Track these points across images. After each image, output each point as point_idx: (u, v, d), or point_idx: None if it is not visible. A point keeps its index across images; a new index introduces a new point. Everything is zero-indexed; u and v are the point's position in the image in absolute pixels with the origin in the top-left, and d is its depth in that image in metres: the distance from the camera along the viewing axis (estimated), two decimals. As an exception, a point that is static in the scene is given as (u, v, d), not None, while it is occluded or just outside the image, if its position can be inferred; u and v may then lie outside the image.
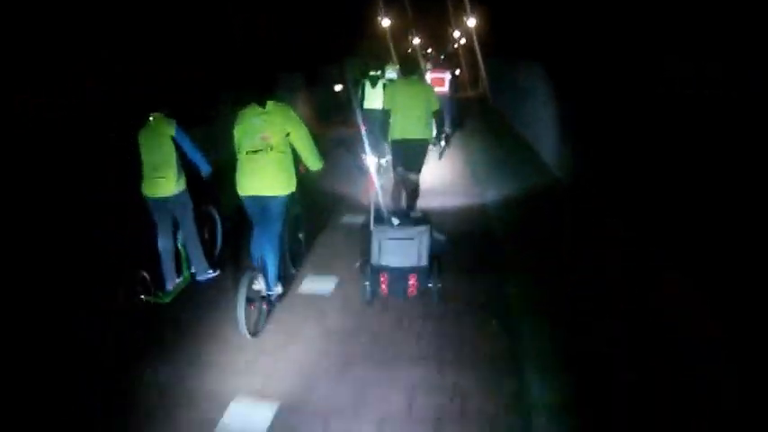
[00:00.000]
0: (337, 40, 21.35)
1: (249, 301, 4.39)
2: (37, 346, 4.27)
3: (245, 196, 4.77)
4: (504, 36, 21.85)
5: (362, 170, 7.67)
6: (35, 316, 4.69)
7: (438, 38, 50.56)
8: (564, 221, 6.81)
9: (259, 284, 4.64)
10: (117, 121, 7.22)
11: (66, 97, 6.82)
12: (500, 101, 19.35)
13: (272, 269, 4.84)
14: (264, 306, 4.71)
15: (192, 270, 5.42)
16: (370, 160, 7.13)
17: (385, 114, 6.92)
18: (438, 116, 7.03)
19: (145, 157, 5.01)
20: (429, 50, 52.97)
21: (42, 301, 4.91)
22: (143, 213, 5.13)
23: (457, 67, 31.65)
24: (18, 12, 6.55)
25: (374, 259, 4.86)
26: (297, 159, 4.86)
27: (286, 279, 5.27)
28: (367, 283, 4.83)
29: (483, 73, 26.68)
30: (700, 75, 5.29)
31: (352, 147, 10.90)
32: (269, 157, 4.64)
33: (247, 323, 4.31)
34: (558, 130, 9.53)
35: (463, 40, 39.05)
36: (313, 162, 4.90)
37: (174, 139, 4.97)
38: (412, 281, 4.76)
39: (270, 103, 4.67)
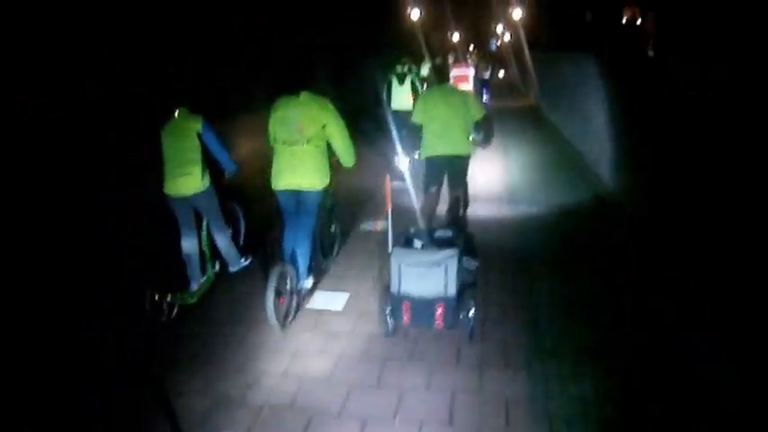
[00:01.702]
0: (368, 38, 20.13)
1: (278, 294, 4.34)
2: (61, 353, 4.19)
3: (281, 190, 4.71)
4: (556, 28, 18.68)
5: (398, 172, 7.36)
6: (52, 322, 4.63)
7: (481, 33, 44.99)
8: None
9: (289, 278, 4.57)
10: (117, 120, 7.25)
11: (66, 97, 6.81)
12: (555, 111, 15.42)
13: (303, 263, 4.80)
14: (294, 300, 4.65)
15: (225, 264, 5.35)
16: (404, 162, 6.93)
17: (414, 128, 6.06)
18: (484, 125, 5.93)
19: (168, 154, 4.83)
20: (471, 47, 46.22)
21: (50, 305, 4.86)
22: (163, 213, 5.03)
23: (497, 66, 27.15)
24: (18, 11, 6.56)
25: (394, 287, 4.31)
26: (329, 152, 4.76)
27: (316, 272, 5.20)
28: (387, 312, 4.32)
29: (533, 75, 21.57)
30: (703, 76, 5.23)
31: (382, 148, 10.13)
32: (305, 150, 4.57)
33: (277, 316, 4.27)
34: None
35: (507, 36, 33.93)
36: (347, 158, 4.82)
37: (199, 135, 4.81)
38: (438, 312, 4.16)
39: (305, 94, 4.60)
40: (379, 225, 6.87)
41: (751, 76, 4.45)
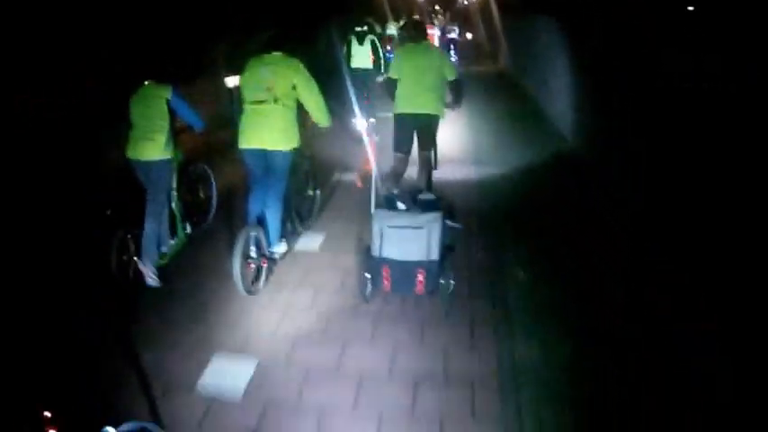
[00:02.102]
0: None
1: (246, 258, 4.31)
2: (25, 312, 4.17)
3: (247, 149, 4.65)
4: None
5: (355, 135, 7.28)
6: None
7: None
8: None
9: (259, 242, 4.53)
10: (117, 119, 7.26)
11: (66, 97, 6.83)
12: (526, 74, 15.28)
13: (273, 227, 4.74)
14: (264, 264, 4.60)
15: (199, 223, 5.29)
16: (362, 123, 6.80)
17: (389, 84, 5.99)
18: (456, 87, 5.99)
19: (135, 121, 4.76)
20: (436, 7, 46.34)
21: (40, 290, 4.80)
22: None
23: (463, 27, 25.86)
24: (18, 11, 6.57)
25: (375, 250, 4.19)
26: (302, 114, 4.72)
27: (292, 238, 5.18)
28: (367, 275, 4.23)
29: (502, 39, 20.54)
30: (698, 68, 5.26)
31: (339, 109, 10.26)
32: (273, 110, 4.52)
33: (244, 281, 4.23)
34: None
35: None
36: (321, 117, 4.77)
37: (168, 103, 4.73)
38: (420, 277, 4.08)
39: (277, 54, 4.60)
40: (359, 181, 6.73)
41: (746, 69, 4.48)
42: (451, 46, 15.94)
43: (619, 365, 3.65)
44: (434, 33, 12.64)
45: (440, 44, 12.35)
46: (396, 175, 6.12)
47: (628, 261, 5.12)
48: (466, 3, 37.67)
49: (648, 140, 5.93)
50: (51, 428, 1.80)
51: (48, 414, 1.82)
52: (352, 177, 6.96)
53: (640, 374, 3.54)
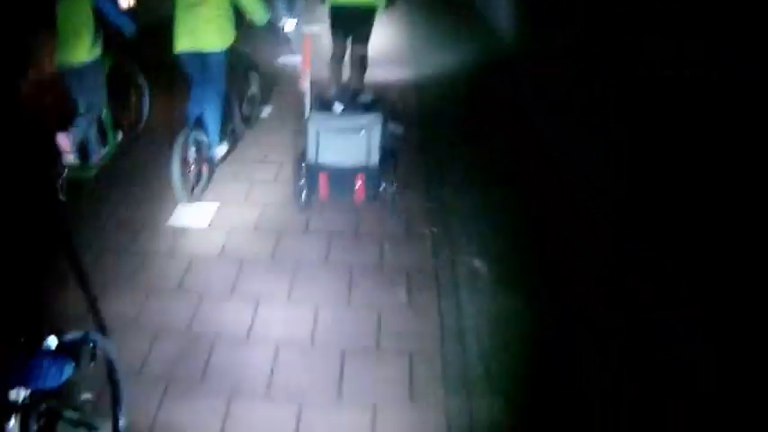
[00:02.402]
0: None
1: (186, 162, 4.23)
2: None
3: (182, 52, 4.54)
4: None
5: (280, 36, 6.93)
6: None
7: None
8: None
9: (198, 145, 4.43)
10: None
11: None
12: None
13: (213, 129, 4.65)
14: (204, 169, 4.51)
15: (91, 155, 4.98)
16: (290, 24, 6.46)
17: None
18: None
19: (61, 25, 4.64)
20: None
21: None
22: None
23: None
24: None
25: (310, 156, 3.90)
26: (238, 14, 4.60)
27: (235, 138, 5.12)
28: (302, 182, 3.98)
29: None
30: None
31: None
32: (206, 9, 4.41)
33: (184, 186, 4.16)
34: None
35: None
36: (259, 15, 4.65)
37: (92, 1, 4.61)
38: (359, 183, 3.85)
39: None
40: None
41: (728, 56, 4.45)
42: None
43: (600, 353, 3.61)
44: None
45: None
46: (336, 59, 5.85)
47: (609, 248, 5.10)
48: None
49: (630, 128, 5.90)
50: None
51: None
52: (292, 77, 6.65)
53: (622, 362, 3.51)
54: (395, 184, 3.97)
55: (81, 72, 4.69)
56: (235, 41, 4.64)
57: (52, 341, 1.86)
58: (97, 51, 4.69)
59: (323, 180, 3.89)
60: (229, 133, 5.05)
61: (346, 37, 5.77)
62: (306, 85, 4.31)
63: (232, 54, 4.72)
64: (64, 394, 1.97)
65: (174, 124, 5.41)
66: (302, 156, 4.08)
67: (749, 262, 3.79)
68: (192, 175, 4.39)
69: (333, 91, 4.51)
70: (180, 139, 4.16)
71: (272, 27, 7.79)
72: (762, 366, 3.19)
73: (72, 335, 1.95)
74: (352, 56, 5.86)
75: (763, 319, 3.40)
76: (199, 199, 4.43)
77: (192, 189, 4.38)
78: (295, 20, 7.64)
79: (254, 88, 5.80)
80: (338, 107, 4.06)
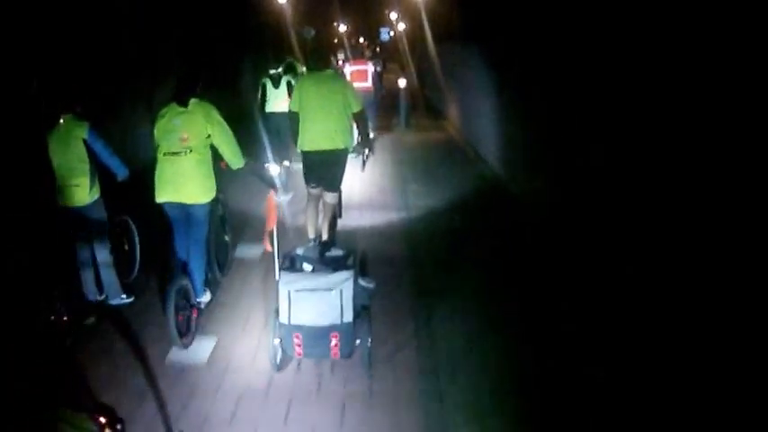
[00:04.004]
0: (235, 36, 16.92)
1: (178, 310, 4.28)
2: None
3: (165, 203, 4.58)
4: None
5: (267, 180, 7.11)
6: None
7: (372, 24, 42.22)
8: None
9: (185, 293, 4.49)
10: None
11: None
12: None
13: (198, 278, 4.73)
14: (194, 315, 4.57)
15: (104, 295, 5.00)
16: (274, 169, 6.71)
17: (291, 118, 5.62)
18: (361, 119, 5.73)
19: (56, 162, 4.66)
20: (361, 40, 45.65)
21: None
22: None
23: (385, 60, 25.21)
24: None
25: (283, 317, 3.84)
26: (217, 156, 4.72)
27: (213, 285, 5.12)
28: (277, 341, 3.91)
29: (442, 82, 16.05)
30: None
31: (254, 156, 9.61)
32: (188, 161, 4.46)
33: (180, 334, 4.24)
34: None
35: (402, 26, 28.16)
36: (235, 161, 4.75)
37: (86, 143, 4.65)
38: (334, 341, 3.78)
39: (192, 102, 4.52)
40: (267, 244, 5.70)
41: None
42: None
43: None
44: (368, 69, 11.57)
45: (372, 79, 11.54)
46: (313, 210, 5.89)
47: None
48: (390, 35, 33.71)
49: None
50: None
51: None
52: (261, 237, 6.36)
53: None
54: (369, 342, 3.97)
55: (84, 212, 4.74)
56: (217, 191, 4.74)
57: None
58: (97, 192, 4.76)
59: (297, 339, 3.84)
60: (210, 281, 5.13)
61: (318, 182, 5.78)
62: (269, 248, 4.30)
63: (215, 203, 4.87)
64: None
65: (162, 270, 5.50)
66: (275, 314, 3.99)
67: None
68: (183, 323, 4.38)
69: (303, 247, 4.38)
70: (173, 287, 4.23)
71: (259, 169, 7.87)
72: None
73: None
74: (324, 205, 5.88)
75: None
76: (190, 344, 4.46)
77: (184, 338, 4.41)
78: (282, 164, 8.00)
79: (228, 235, 5.90)
80: (307, 266, 4.09)
